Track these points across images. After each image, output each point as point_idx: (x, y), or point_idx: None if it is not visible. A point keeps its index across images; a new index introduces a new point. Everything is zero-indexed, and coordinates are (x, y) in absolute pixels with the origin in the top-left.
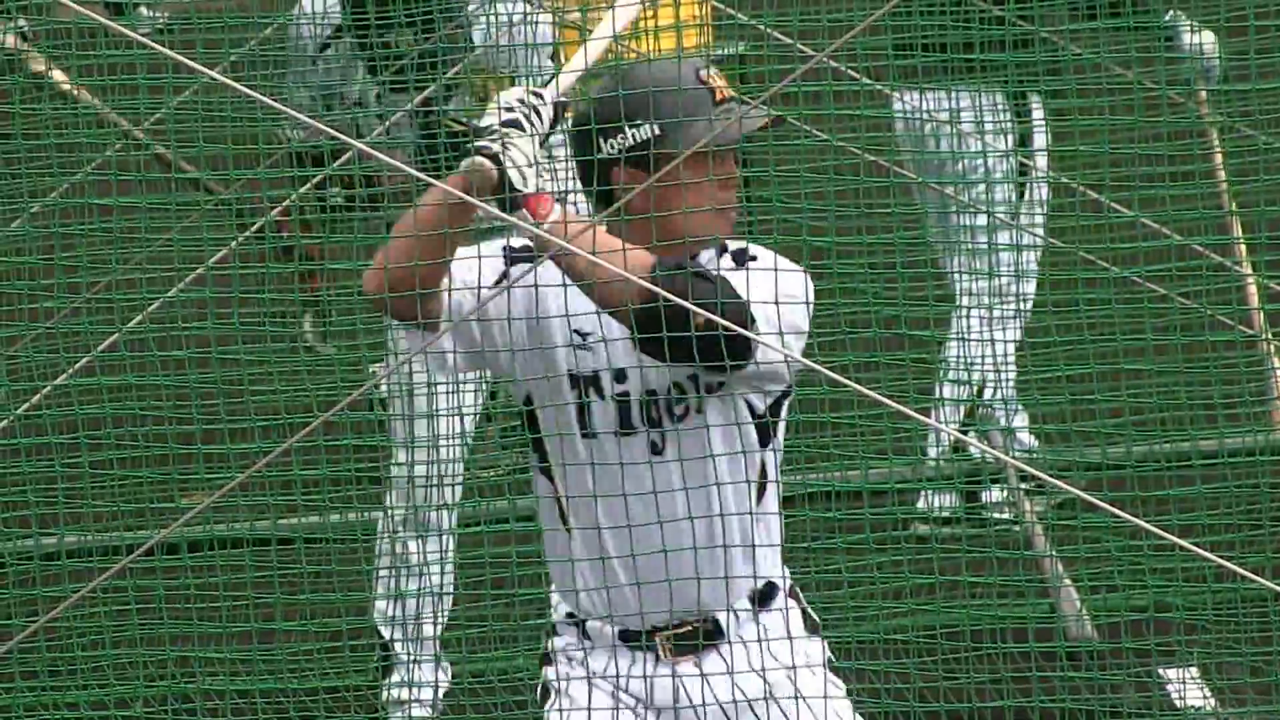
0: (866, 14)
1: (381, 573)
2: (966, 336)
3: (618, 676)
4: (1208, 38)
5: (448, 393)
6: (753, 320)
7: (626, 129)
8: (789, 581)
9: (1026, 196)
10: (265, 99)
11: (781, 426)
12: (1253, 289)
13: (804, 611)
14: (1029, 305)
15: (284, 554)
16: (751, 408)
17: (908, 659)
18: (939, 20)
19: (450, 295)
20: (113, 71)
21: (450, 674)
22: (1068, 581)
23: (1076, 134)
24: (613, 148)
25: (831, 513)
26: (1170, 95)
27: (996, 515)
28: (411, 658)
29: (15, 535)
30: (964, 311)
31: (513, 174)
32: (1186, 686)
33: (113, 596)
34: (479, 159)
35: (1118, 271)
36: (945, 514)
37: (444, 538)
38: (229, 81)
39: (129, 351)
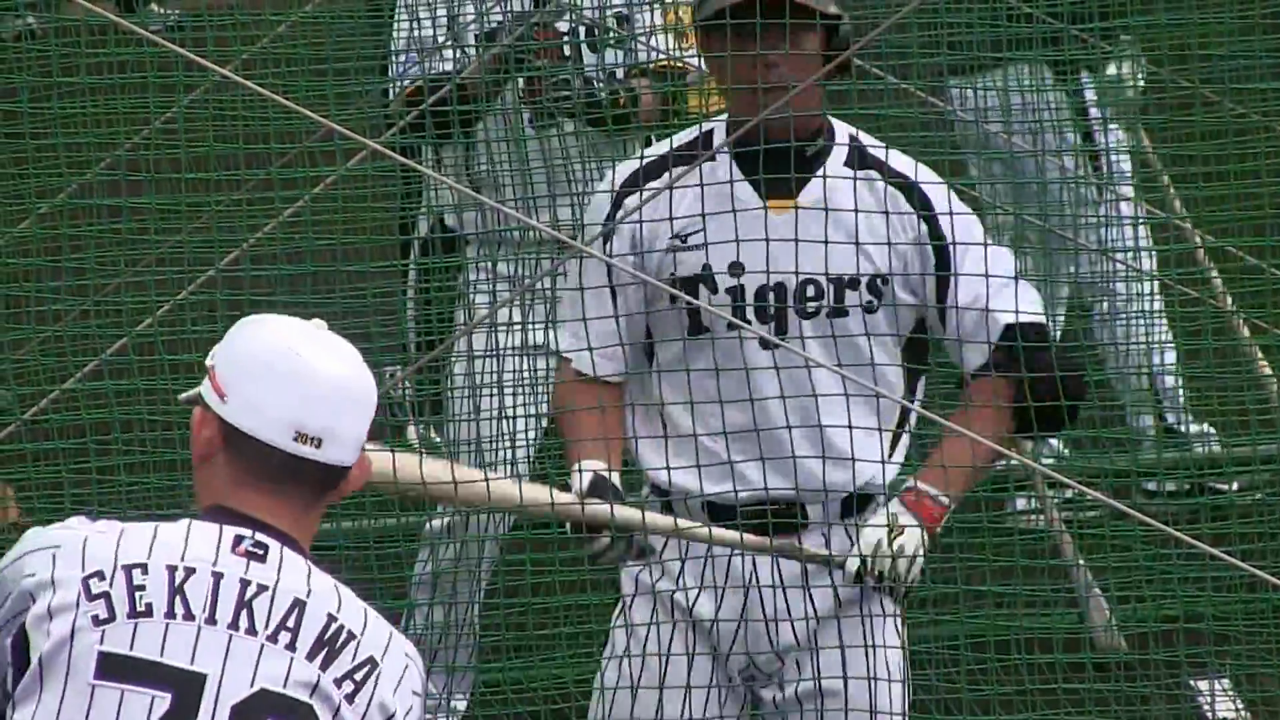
0: (893, 11)
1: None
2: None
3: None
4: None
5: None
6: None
7: None
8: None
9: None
10: (277, 97)
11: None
12: None
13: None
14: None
15: None
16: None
17: (931, 670)
18: (966, 18)
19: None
20: (122, 69)
21: (470, 689)
22: (1096, 591)
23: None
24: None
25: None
26: (1205, 94)
27: (1023, 523)
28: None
29: None
30: None
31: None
32: (1217, 698)
33: None
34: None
35: (1150, 274)
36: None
37: (488, 545)
38: (241, 80)
39: (138, 355)
